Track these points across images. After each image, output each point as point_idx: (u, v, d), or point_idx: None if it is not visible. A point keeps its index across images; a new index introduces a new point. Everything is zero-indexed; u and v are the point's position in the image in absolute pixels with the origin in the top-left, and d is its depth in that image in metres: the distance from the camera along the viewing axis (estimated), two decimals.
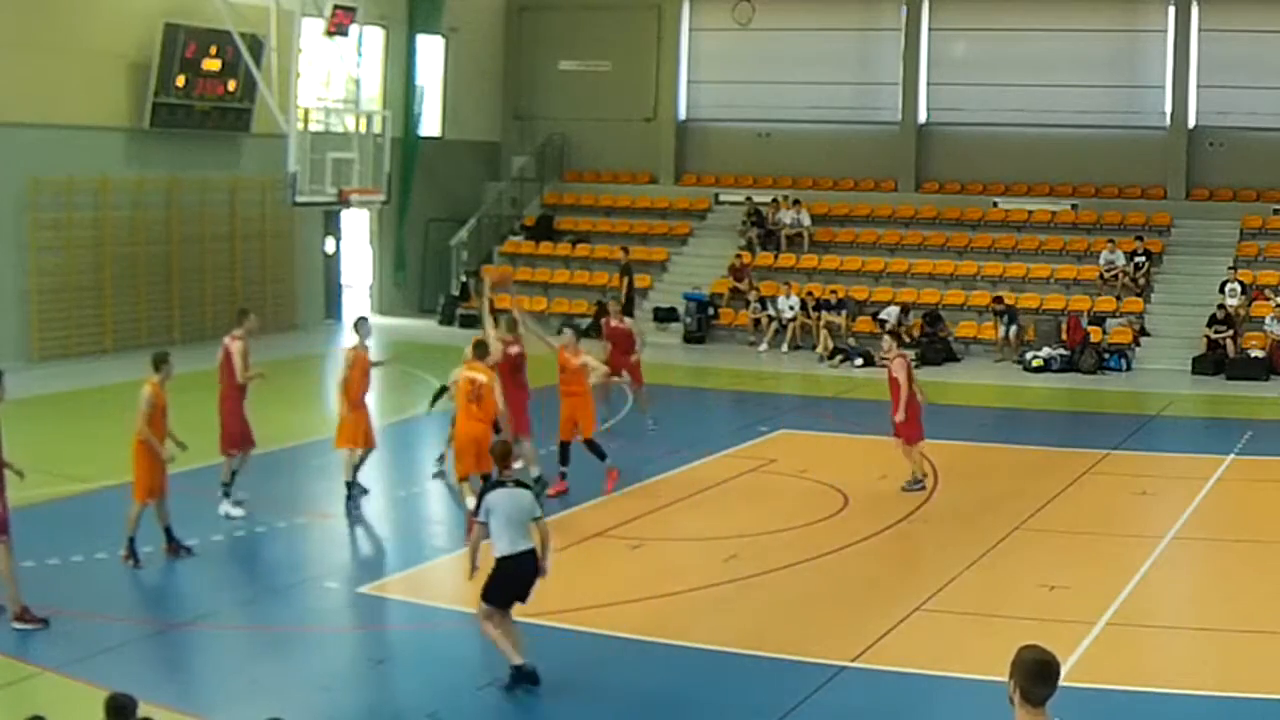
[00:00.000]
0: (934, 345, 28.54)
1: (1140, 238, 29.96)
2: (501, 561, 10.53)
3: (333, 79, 28.88)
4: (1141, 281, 29.40)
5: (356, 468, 15.79)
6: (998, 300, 29.10)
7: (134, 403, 13.53)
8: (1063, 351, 27.69)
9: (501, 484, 10.64)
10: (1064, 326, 28.31)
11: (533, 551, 10.58)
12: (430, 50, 34.29)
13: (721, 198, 34.94)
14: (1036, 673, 5.47)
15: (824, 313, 29.58)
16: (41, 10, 24.80)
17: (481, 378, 14.61)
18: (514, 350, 16.48)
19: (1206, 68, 31.45)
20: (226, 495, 15.19)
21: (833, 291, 30.35)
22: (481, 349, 15.12)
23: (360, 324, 16.91)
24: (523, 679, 10.46)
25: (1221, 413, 23.70)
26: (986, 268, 31.02)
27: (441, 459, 17.27)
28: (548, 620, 12.10)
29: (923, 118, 33.99)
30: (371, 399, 16.58)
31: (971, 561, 13.91)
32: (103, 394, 22.91)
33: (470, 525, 11.38)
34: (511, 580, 10.56)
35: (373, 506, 16.45)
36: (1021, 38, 32.93)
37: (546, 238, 35.08)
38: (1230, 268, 28.50)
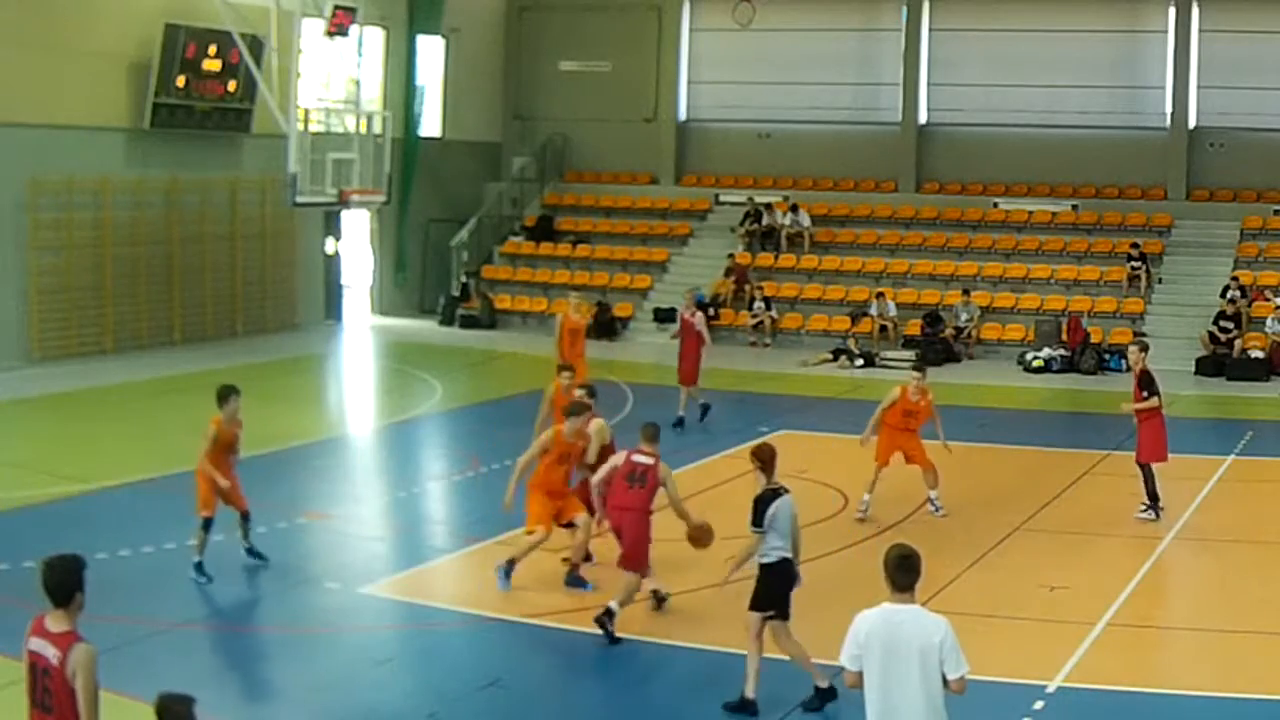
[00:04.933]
0: (934, 345, 28.53)
1: (1136, 244, 29.90)
2: None
3: (333, 79, 28.89)
4: (1142, 284, 29.45)
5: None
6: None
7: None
8: (1063, 352, 27.69)
9: None
10: (1064, 327, 28.30)
11: None
12: (430, 51, 34.28)
13: (722, 198, 34.95)
14: (898, 564, 7.06)
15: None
16: (42, 10, 24.79)
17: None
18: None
19: (1207, 68, 31.47)
20: None
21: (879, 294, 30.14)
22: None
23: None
24: None
25: (1222, 413, 23.69)
26: (987, 268, 31.02)
27: None
28: (548, 620, 12.12)
29: (923, 118, 33.99)
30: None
31: (971, 561, 13.91)
32: (103, 394, 22.92)
33: None
34: None
35: (373, 506, 16.46)
36: (1021, 38, 32.94)
37: (547, 238, 35.09)
38: (1233, 277, 28.46)
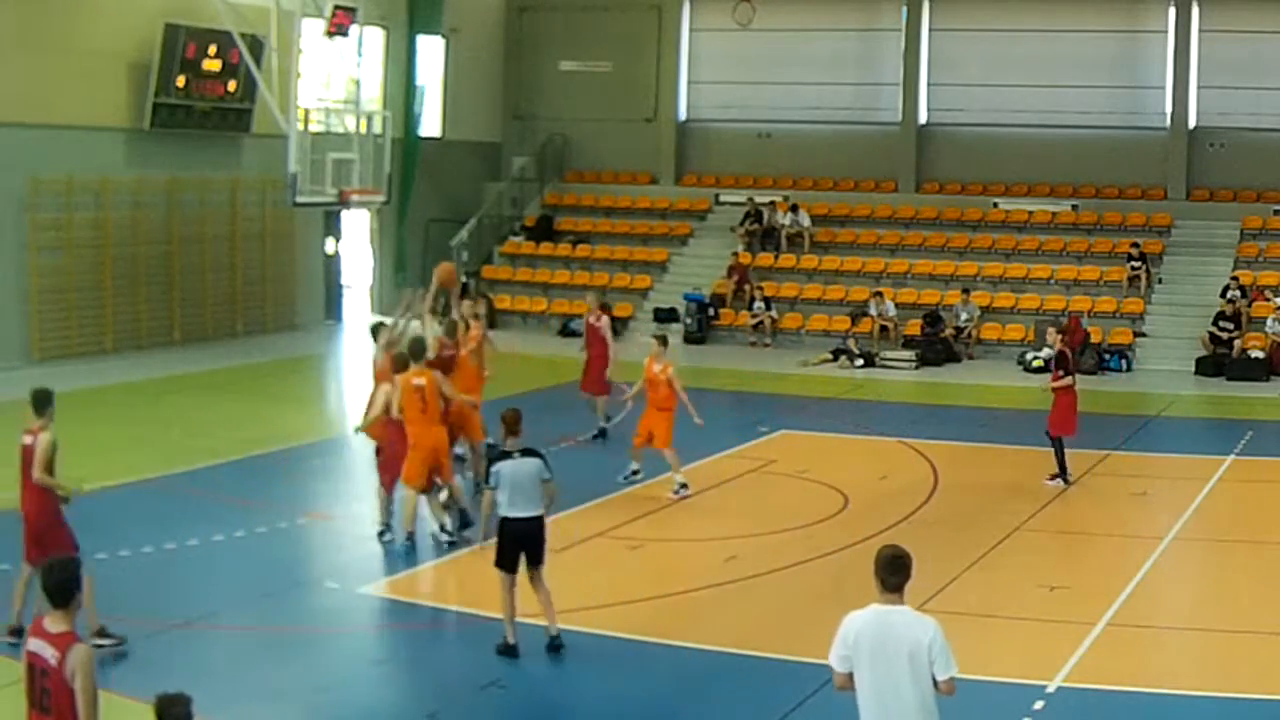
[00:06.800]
0: (934, 345, 28.53)
1: (1136, 244, 29.89)
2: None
3: (333, 79, 28.87)
4: (1142, 284, 29.44)
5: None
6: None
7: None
8: None
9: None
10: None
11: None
12: (430, 50, 34.26)
13: (722, 198, 34.93)
14: (887, 564, 7.08)
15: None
16: (41, 10, 24.78)
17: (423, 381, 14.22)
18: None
19: (1207, 68, 31.44)
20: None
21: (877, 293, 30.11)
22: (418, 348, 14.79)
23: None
24: None
25: (1221, 413, 23.68)
26: (987, 268, 31.02)
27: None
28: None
29: (923, 118, 33.98)
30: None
31: (972, 562, 13.90)
32: (103, 394, 22.91)
33: None
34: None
35: (373, 506, 16.42)
36: (1022, 38, 32.93)
37: (547, 238, 35.08)
38: (1233, 277, 28.44)
